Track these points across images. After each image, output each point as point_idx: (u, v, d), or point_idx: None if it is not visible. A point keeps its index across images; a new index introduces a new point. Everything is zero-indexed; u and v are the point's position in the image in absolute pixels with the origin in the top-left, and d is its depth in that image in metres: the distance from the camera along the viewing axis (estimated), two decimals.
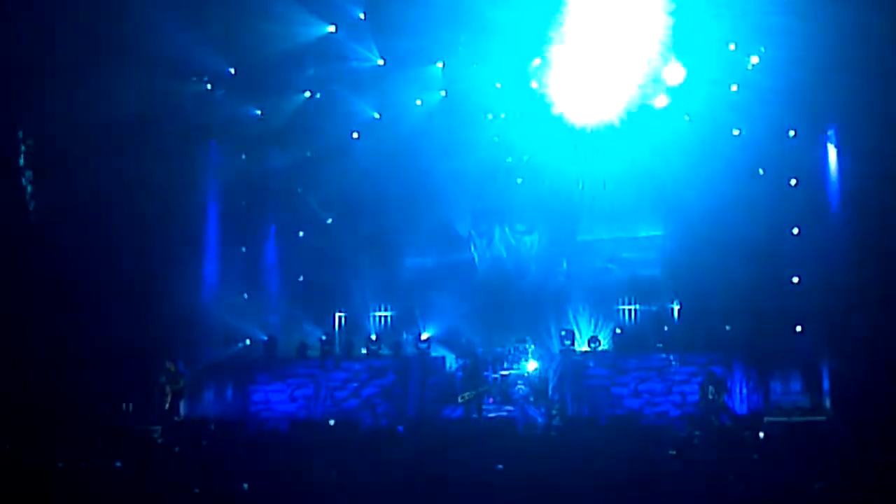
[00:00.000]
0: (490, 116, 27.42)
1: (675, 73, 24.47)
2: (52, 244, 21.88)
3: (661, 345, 24.64)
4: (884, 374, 21.04)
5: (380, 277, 28.39)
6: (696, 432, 17.96)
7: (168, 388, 22.42)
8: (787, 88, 23.25)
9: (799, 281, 24.66)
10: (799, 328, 24.45)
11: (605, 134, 25.44)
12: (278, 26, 24.01)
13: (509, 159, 28.20)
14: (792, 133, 24.48)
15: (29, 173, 22.15)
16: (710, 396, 22.12)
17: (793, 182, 24.93)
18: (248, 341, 26.05)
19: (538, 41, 24.73)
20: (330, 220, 28.37)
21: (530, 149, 27.70)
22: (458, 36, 25.30)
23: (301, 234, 28.42)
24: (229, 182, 26.81)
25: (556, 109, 25.47)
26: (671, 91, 24.91)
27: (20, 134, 22.02)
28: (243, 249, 27.53)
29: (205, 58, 24.47)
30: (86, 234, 22.12)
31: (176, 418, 22.16)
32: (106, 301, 22.21)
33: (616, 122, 25.16)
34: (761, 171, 25.05)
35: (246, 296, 27.04)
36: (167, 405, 22.31)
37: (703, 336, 25.14)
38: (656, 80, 24.80)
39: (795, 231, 24.82)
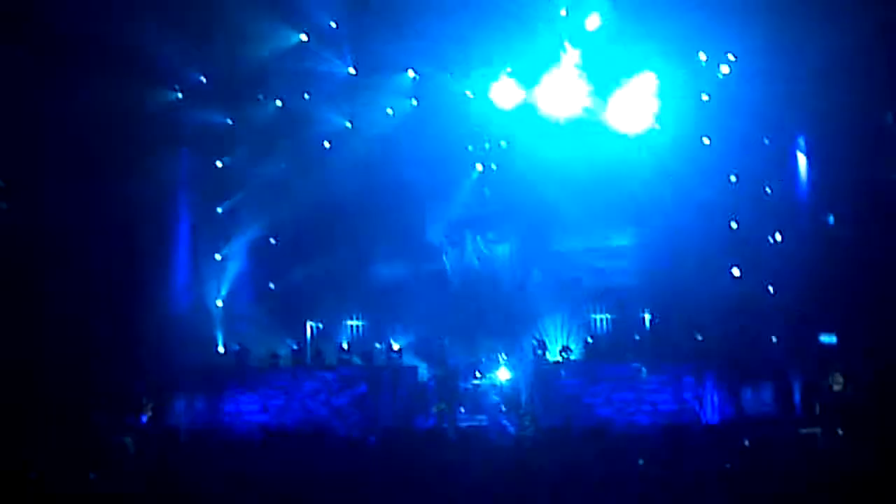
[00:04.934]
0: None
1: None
2: (21, 252, 21.66)
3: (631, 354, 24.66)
4: (858, 382, 21.09)
5: (351, 286, 28.28)
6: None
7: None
8: (756, 97, 23.39)
9: (774, 291, 24.74)
10: (774, 339, 24.51)
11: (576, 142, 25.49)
12: (250, 35, 23.96)
13: (479, 167, 28.25)
14: (766, 141, 24.60)
15: None
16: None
17: (768, 191, 25.10)
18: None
19: (510, 49, 24.80)
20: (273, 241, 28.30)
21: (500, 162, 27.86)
22: (429, 44, 25.32)
23: (273, 241, 28.28)
24: (201, 189, 26.71)
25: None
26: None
27: None
28: (217, 257, 27.47)
29: (176, 66, 24.42)
30: (55, 241, 21.93)
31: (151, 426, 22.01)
32: (76, 308, 22.02)
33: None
34: (733, 179, 25.16)
35: (219, 304, 26.92)
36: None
37: (675, 345, 25.16)
38: None
39: (778, 237, 24.93)
